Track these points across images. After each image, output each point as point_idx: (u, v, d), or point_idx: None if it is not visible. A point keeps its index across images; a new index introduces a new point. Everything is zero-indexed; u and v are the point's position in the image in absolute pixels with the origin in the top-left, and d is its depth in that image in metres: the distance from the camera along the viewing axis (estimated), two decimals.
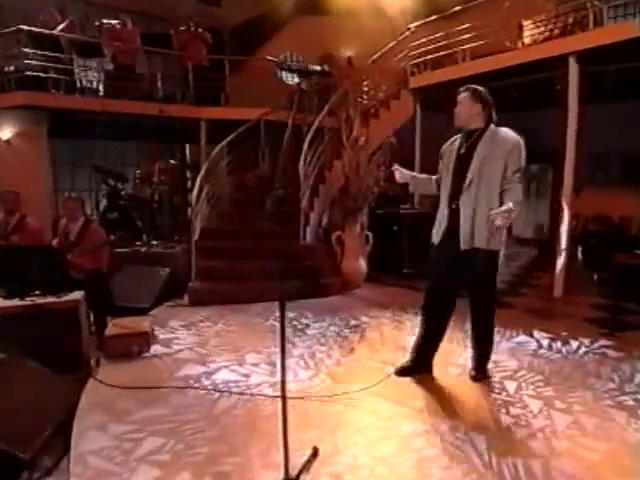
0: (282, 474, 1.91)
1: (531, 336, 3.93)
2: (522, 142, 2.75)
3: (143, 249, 5.56)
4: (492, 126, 2.83)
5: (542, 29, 5.64)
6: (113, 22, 6.83)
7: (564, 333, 3.99)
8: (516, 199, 2.66)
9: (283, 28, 9.24)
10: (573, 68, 5.07)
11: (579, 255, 7.22)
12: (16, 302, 3.14)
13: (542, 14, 5.75)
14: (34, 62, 6.34)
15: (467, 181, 2.79)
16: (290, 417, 1.91)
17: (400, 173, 3.07)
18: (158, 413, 2.63)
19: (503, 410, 2.67)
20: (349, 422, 2.54)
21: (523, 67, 5.58)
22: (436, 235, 2.97)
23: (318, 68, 2.05)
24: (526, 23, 5.81)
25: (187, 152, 9.15)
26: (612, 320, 4.54)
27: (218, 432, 2.45)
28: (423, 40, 6.83)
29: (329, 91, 6.60)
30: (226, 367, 3.27)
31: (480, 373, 3.08)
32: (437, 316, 3.03)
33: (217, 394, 2.88)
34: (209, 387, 2.97)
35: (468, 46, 6.22)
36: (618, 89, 6.15)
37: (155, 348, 3.60)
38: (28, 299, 3.16)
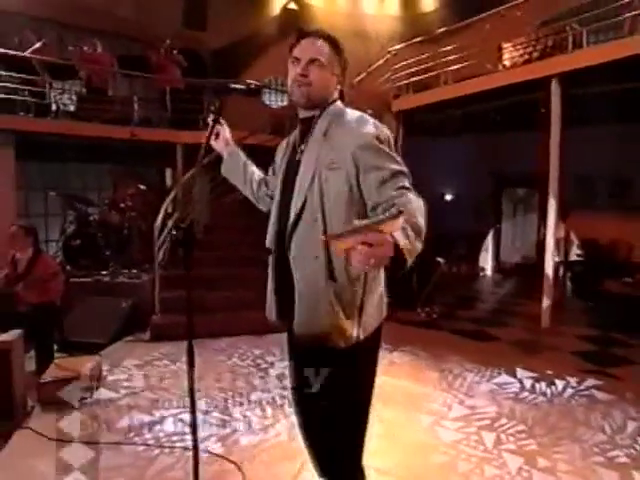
0: None
1: (514, 376, 3.63)
2: (383, 130, 1.40)
3: (106, 279, 5.24)
4: (334, 106, 1.49)
5: (521, 52, 5.54)
6: (84, 47, 6.70)
7: (549, 371, 3.70)
8: (417, 216, 1.23)
9: (268, 51, 9.17)
10: (555, 90, 4.93)
11: (568, 282, 6.98)
12: None
13: (522, 37, 5.67)
14: (4, 84, 6.16)
15: (292, 211, 1.43)
16: None
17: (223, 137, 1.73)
18: (81, 478, 2.29)
19: (477, 470, 2.35)
20: None
21: (506, 89, 5.46)
22: (269, 308, 1.58)
23: (242, 86, 1.68)
24: (506, 46, 5.71)
25: (167, 176, 8.93)
26: (601, 354, 4.29)
27: None
28: (404, 63, 6.73)
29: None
30: (174, 416, 2.93)
31: None
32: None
33: (156, 451, 2.54)
34: (149, 441, 2.63)
35: (450, 69, 6.11)
36: (604, 111, 6.02)
37: (100, 392, 3.26)
38: None
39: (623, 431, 2.74)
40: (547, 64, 5.10)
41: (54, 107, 6.85)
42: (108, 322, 4.53)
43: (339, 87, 1.51)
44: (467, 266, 8.57)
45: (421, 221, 1.23)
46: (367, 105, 7.45)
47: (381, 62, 6.99)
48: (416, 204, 1.28)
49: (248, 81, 1.51)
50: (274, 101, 8.99)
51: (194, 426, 1.55)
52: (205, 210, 6.72)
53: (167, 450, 2.55)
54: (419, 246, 1.17)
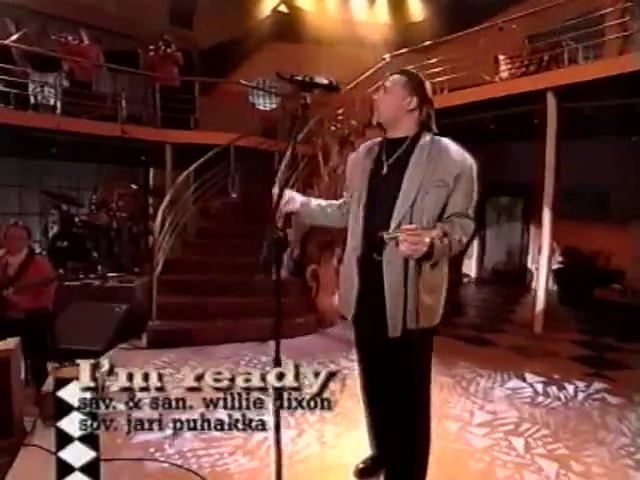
0: None
1: (524, 380, 3.68)
2: (475, 164, 1.83)
3: (96, 282, 4.97)
4: (429, 135, 1.86)
5: (518, 64, 5.69)
6: (69, 37, 6.39)
7: (556, 375, 3.77)
8: (460, 235, 1.78)
9: (256, 53, 9.06)
10: (551, 103, 5.09)
11: (553, 288, 7.18)
12: None
13: (517, 50, 5.83)
14: None
15: (394, 222, 1.76)
16: None
17: (290, 200, 1.93)
18: None
19: (517, 476, 2.34)
20: None
21: (501, 100, 5.57)
22: (347, 305, 1.95)
23: (325, 81, 1.64)
24: (502, 57, 5.86)
25: (150, 177, 8.64)
26: (599, 358, 4.41)
27: None
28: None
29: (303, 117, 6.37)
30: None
31: None
32: (380, 406, 2.09)
33: (183, 467, 2.40)
34: (174, 457, 2.49)
35: (445, 78, 6.18)
36: (589, 126, 6.25)
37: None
38: None
39: None
40: (543, 77, 5.25)
41: (32, 100, 6.51)
42: (101, 328, 4.25)
43: (415, 115, 1.85)
44: (451, 272, 8.69)
45: (462, 240, 1.79)
46: (361, 110, 7.52)
47: (375, 69, 7.01)
48: (467, 229, 1.82)
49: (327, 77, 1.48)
50: (263, 103, 8.87)
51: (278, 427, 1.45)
52: (192, 214, 6.51)
53: (194, 467, 2.41)
54: (451, 251, 1.77)
